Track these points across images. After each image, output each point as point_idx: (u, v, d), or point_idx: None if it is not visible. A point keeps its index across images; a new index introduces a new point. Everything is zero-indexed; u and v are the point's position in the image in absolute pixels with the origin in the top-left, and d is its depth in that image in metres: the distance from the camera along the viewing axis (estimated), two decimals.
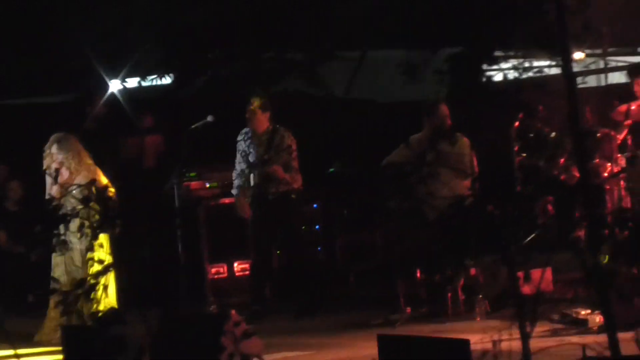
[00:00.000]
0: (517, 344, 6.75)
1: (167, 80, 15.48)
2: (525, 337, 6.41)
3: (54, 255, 9.67)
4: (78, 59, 14.16)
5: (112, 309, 9.09)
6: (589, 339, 6.93)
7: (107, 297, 9.24)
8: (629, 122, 11.06)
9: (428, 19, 14.39)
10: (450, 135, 10.20)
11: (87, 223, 9.29)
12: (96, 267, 9.29)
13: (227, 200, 11.30)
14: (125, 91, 13.93)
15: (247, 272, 11.04)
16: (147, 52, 14.58)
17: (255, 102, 10.43)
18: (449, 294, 9.66)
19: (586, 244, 6.90)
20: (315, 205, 10.70)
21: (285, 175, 10.25)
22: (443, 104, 10.44)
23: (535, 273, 9.52)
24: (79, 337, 8.33)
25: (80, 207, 9.29)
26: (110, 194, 9.50)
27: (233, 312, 7.80)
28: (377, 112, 15.71)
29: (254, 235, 10.49)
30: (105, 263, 9.31)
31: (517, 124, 9.96)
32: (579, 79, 11.31)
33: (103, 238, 9.39)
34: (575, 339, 7.40)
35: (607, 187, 10.49)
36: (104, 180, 9.62)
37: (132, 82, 15.17)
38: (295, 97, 13.81)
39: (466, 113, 11.97)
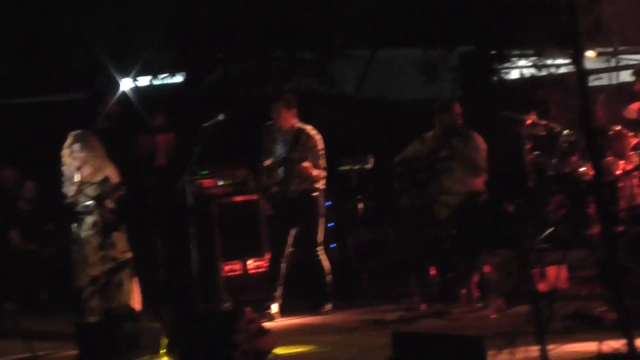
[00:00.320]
0: (532, 341, 6.75)
1: (178, 78, 15.52)
2: (541, 334, 6.42)
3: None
4: (89, 58, 14.21)
5: (125, 307, 9.11)
6: (604, 336, 6.90)
7: (122, 294, 9.25)
8: None
9: (441, 17, 14.41)
10: (463, 133, 10.21)
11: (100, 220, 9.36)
12: (109, 265, 9.35)
13: (240, 198, 11.33)
14: (137, 90, 13.95)
15: (261, 270, 11.05)
16: (158, 51, 14.62)
17: (280, 101, 10.45)
18: (464, 291, 9.66)
19: (600, 241, 6.90)
20: (328, 203, 10.66)
21: (315, 172, 10.27)
22: (455, 102, 10.44)
23: (551, 270, 9.53)
24: (93, 334, 8.36)
25: (92, 204, 9.34)
26: (123, 193, 9.56)
27: (247, 309, 7.82)
28: (387, 110, 15.73)
29: (272, 231, 10.56)
30: (118, 261, 9.38)
31: (529, 121, 9.93)
32: (591, 77, 11.26)
33: (117, 236, 9.43)
34: (590, 336, 7.37)
35: (620, 184, 10.46)
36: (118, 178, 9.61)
37: (144, 81, 15.22)
38: (306, 95, 13.78)
39: (479, 111, 11.99)
